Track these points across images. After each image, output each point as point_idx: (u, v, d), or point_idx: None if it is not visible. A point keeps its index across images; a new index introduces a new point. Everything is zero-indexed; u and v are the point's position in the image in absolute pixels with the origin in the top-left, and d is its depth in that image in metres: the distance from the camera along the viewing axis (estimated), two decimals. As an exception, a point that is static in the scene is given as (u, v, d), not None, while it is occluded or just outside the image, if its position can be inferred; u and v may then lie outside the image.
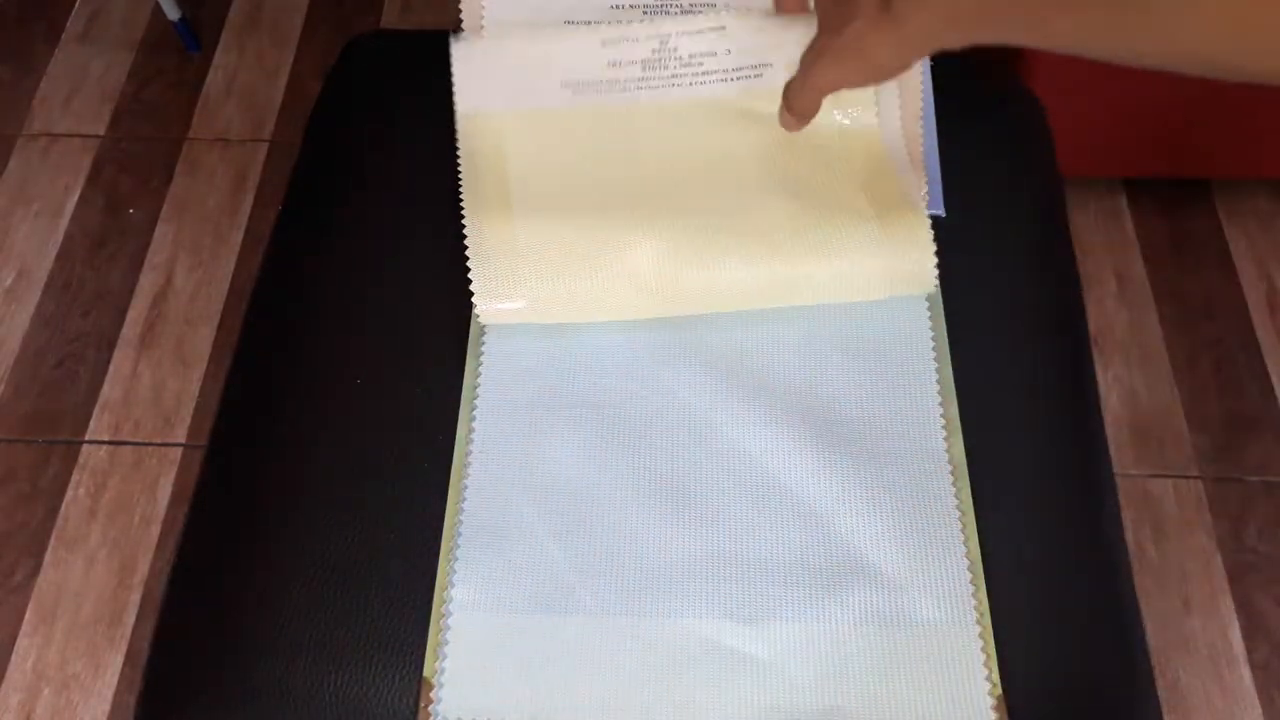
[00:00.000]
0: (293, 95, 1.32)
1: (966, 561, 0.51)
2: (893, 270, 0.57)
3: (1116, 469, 0.61)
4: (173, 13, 1.30)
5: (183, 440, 1.05)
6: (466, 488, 0.53)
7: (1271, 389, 1.08)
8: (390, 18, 1.39)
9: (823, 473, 0.53)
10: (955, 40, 0.44)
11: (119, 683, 0.93)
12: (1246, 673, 0.94)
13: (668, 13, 0.65)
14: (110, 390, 1.08)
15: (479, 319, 0.57)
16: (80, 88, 1.32)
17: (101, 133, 1.28)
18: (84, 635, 0.95)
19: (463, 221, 0.58)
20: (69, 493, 1.02)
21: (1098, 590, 0.53)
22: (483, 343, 0.57)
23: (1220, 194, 1.21)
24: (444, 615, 0.49)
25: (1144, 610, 0.54)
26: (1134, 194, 1.21)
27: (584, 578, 0.50)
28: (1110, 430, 1.00)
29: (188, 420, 1.06)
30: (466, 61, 0.63)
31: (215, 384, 1.08)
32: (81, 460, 1.04)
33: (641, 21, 0.63)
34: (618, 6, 0.65)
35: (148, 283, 1.16)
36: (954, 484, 0.53)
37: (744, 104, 0.61)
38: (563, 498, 0.52)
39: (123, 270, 1.17)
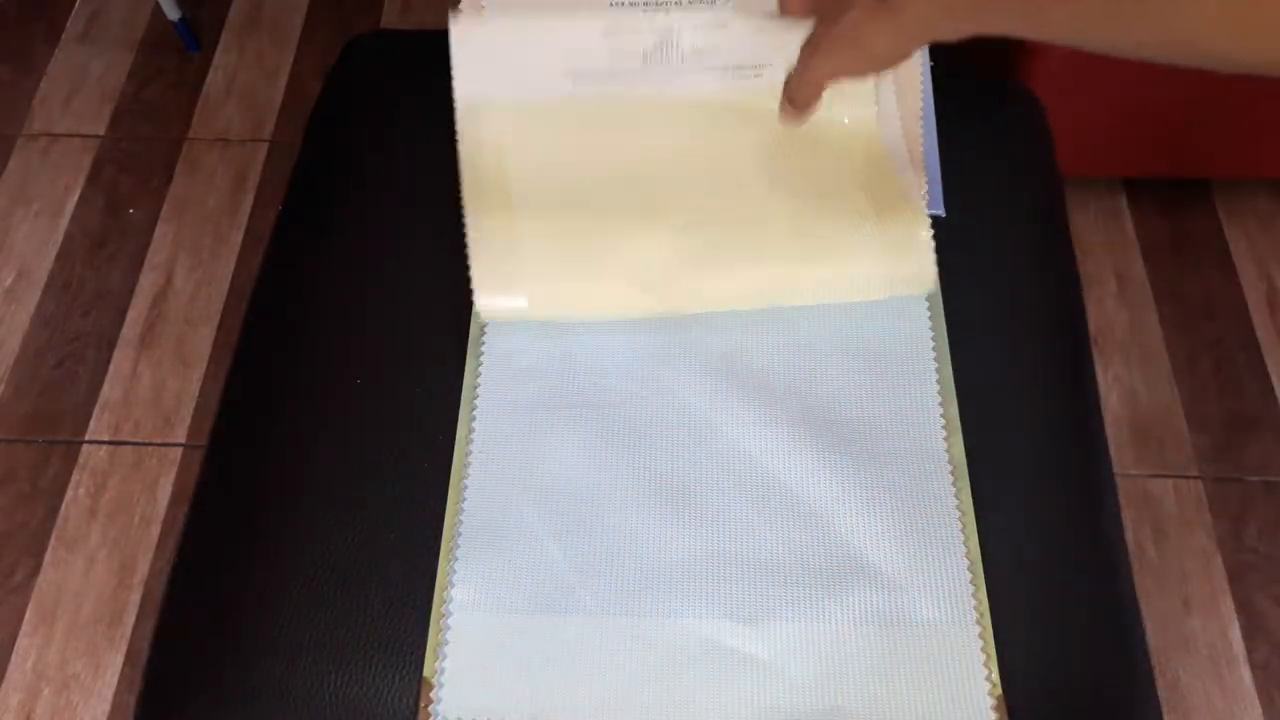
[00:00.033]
0: (293, 95, 1.32)
1: (966, 561, 0.51)
2: (892, 270, 0.57)
3: (1116, 469, 0.61)
4: (173, 13, 1.30)
5: (183, 440, 1.05)
6: (466, 488, 0.53)
7: (1271, 389, 1.08)
8: (390, 18, 1.39)
9: (823, 473, 0.53)
10: (952, 31, 0.44)
11: (119, 683, 0.93)
12: (1246, 673, 0.94)
13: (669, 9, 0.64)
14: (110, 390, 1.08)
15: (479, 315, 0.57)
16: (80, 88, 1.32)
17: (101, 133, 1.28)
18: (84, 635, 0.95)
19: (463, 219, 0.58)
20: (69, 493, 1.02)
21: (1098, 590, 0.53)
22: (483, 343, 0.57)
23: (1220, 194, 1.21)
24: (444, 615, 0.49)
25: (1144, 610, 0.54)
26: (1134, 194, 1.21)
27: (584, 578, 0.50)
28: (1110, 430, 1.00)
29: (188, 420, 1.06)
30: (465, 44, 0.62)
31: (215, 384, 1.08)
32: (81, 460, 1.04)
33: (645, 13, 0.62)
34: (618, 4, 0.65)
35: (148, 283, 1.16)
36: (954, 484, 0.53)
37: (745, 101, 0.61)
38: (563, 498, 0.52)
39: (123, 270, 1.17)
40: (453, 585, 0.50)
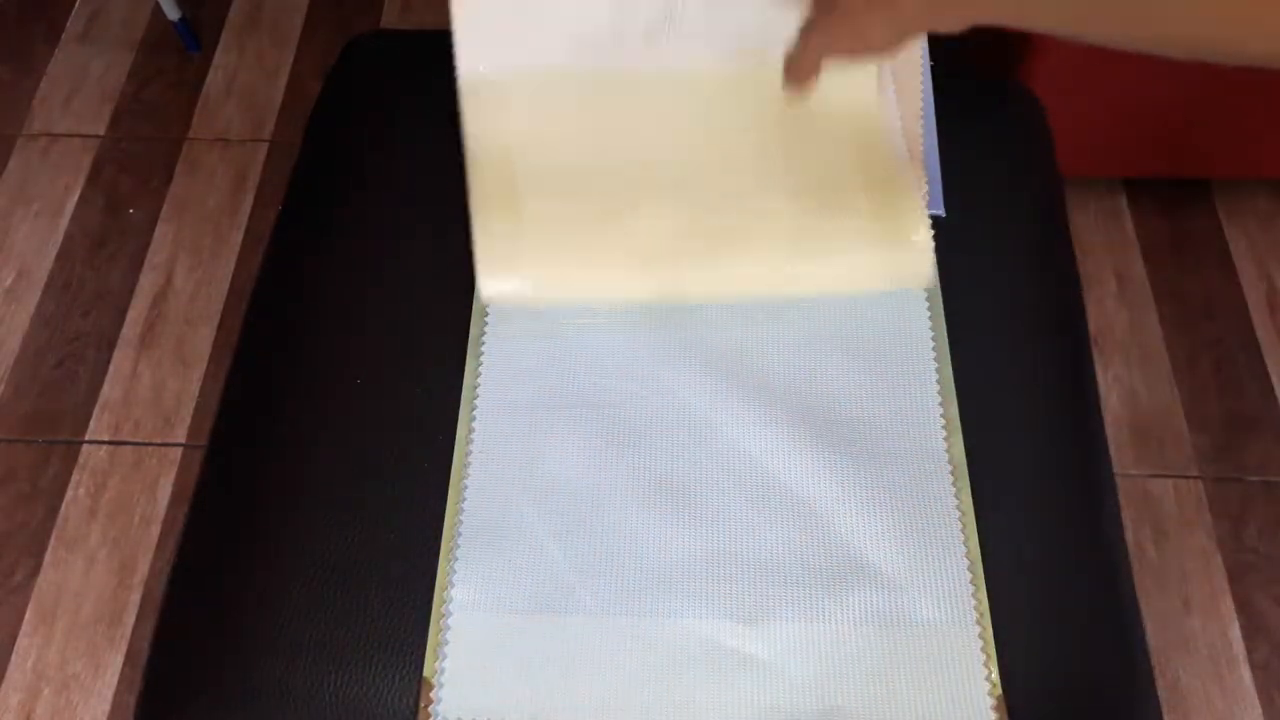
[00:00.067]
0: (293, 95, 1.32)
1: (966, 561, 0.51)
2: (891, 263, 0.57)
3: (1116, 469, 0.61)
4: (173, 13, 1.30)
5: (183, 440, 1.05)
6: (466, 488, 0.53)
7: (1271, 389, 1.08)
8: (390, 18, 1.39)
9: (823, 473, 0.53)
10: (947, 23, 0.44)
11: (119, 683, 0.93)
12: (1246, 673, 0.94)
13: None
14: (110, 390, 1.08)
15: (480, 297, 0.57)
16: (80, 88, 1.32)
17: (101, 133, 1.28)
18: (84, 635, 0.95)
19: (463, 216, 0.58)
20: (69, 493, 1.02)
21: (1098, 590, 0.53)
22: (483, 343, 0.57)
23: (1220, 194, 1.21)
24: (444, 615, 0.49)
25: (1144, 610, 0.54)
26: (1134, 194, 1.21)
27: (584, 578, 0.50)
28: (1110, 430, 1.00)
29: (188, 420, 1.06)
30: (467, 14, 0.61)
31: (215, 384, 1.08)
32: (81, 460, 1.04)
33: None
34: None
35: (148, 283, 1.16)
36: (954, 484, 0.53)
37: (748, 81, 0.61)
38: (563, 498, 0.52)
39: (123, 270, 1.17)
40: (453, 585, 0.50)
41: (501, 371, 0.56)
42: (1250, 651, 0.95)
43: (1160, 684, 0.57)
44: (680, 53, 0.61)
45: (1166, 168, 1.15)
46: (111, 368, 1.10)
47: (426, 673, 0.48)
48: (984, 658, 0.48)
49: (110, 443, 1.05)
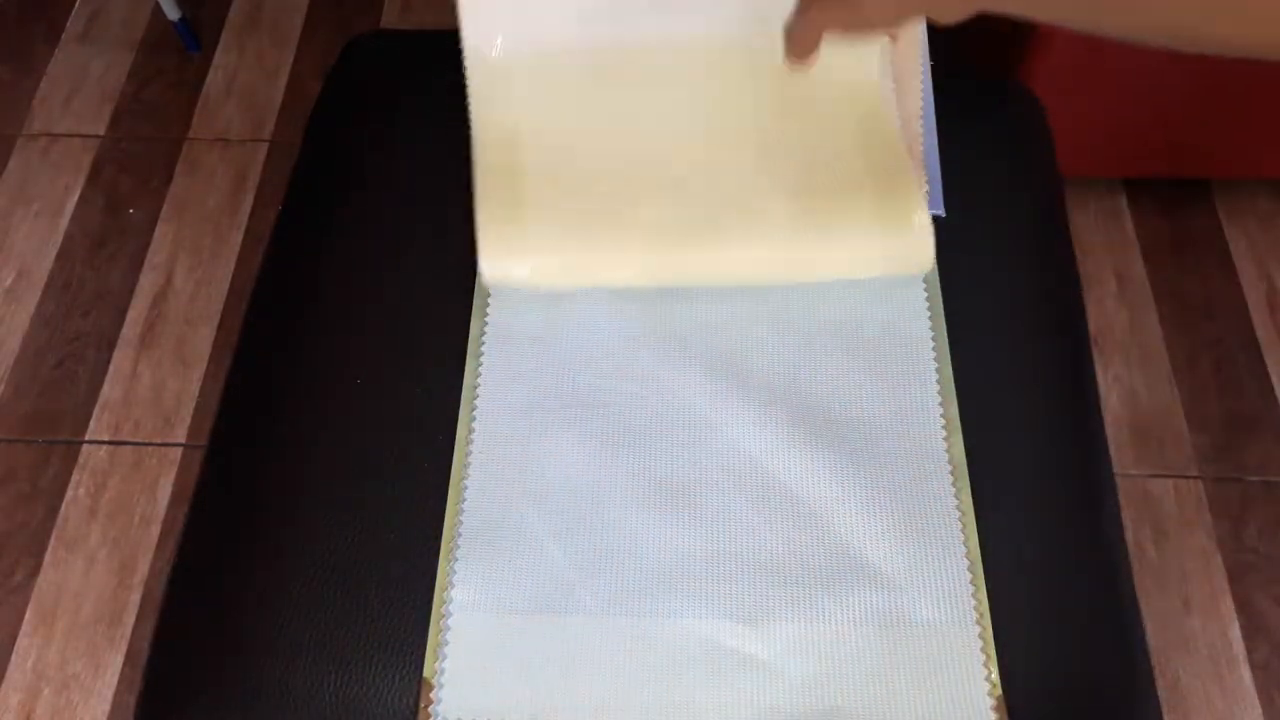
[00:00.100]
0: (293, 95, 1.32)
1: (966, 561, 0.51)
2: (891, 248, 0.57)
3: (1116, 469, 0.61)
4: (173, 13, 1.30)
5: (183, 440, 1.05)
6: (466, 488, 0.53)
7: (1271, 389, 1.08)
8: (390, 18, 1.39)
9: (823, 472, 0.53)
10: (947, 10, 0.44)
11: (119, 683, 0.93)
12: (1246, 673, 0.94)
13: None
14: (110, 390, 1.08)
15: (482, 281, 0.57)
16: (80, 88, 1.32)
17: (101, 133, 1.28)
18: (84, 635, 0.95)
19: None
20: (69, 493, 1.02)
21: (1098, 590, 0.53)
22: (482, 343, 0.57)
23: (1220, 194, 1.21)
24: (444, 615, 0.49)
25: (1144, 610, 0.54)
26: (1134, 194, 1.21)
27: (584, 578, 0.50)
28: (1110, 430, 1.00)
29: (188, 420, 1.06)
30: None
31: (215, 384, 1.08)
32: (81, 460, 1.04)
33: None
34: None
35: (148, 283, 1.16)
36: (954, 484, 0.53)
37: (753, 52, 0.61)
38: (563, 498, 0.52)
39: (123, 270, 1.17)
40: (453, 585, 0.50)
41: (501, 372, 0.56)
42: (1250, 651, 0.95)
43: (1160, 684, 0.57)
44: (685, 24, 0.61)
45: (1166, 168, 1.15)
46: (111, 368, 1.10)
47: (426, 673, 0.48)
48: (984, 658, 0.48)
49: (110, 443, 1.05)
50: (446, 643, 0.49)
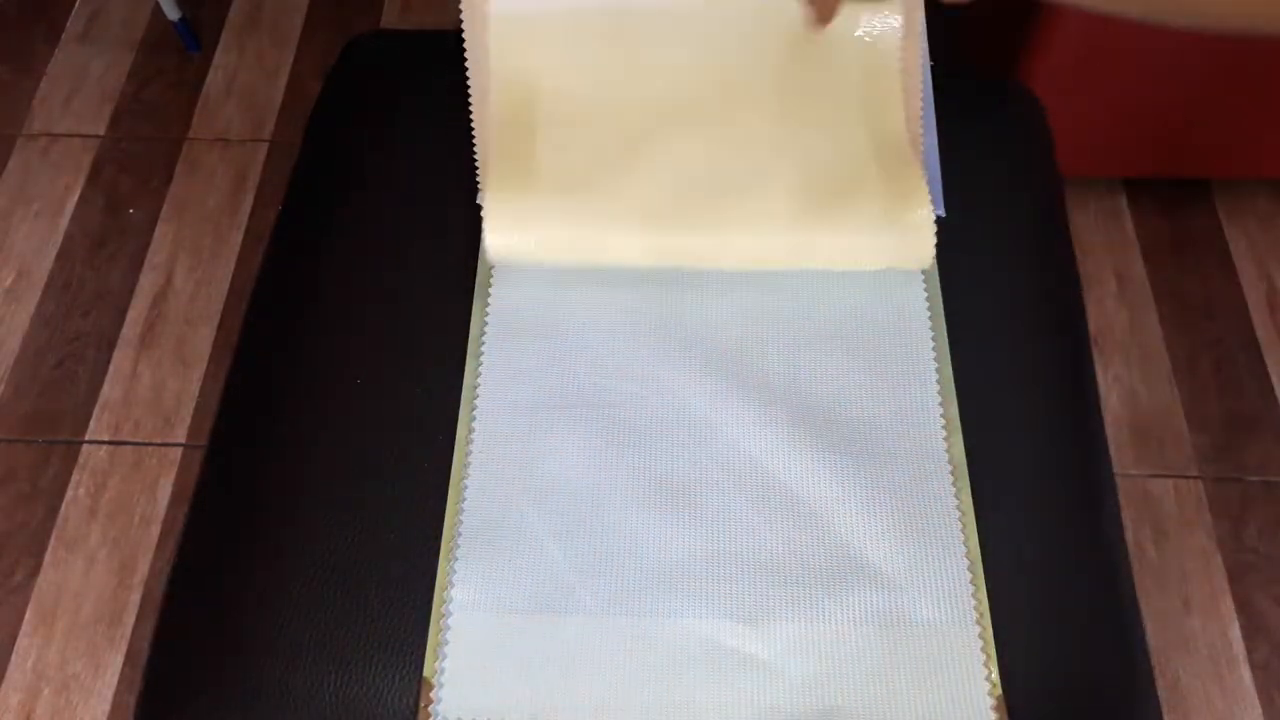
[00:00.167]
0: (293, 95, 1.32)
1: (966, 561, 0.51)
2: (892, 239, 0.57)
3: (1116, 469, 0.61)
4: (173, 13, 1.30)
5: (183, 440, 1.05)
6: (466, 488, 0.53)
7: (1271, 389, 1.08)
8: (390, 18, 1.39)
9: (823, 472, 0.53)
10: None
11: (119, 683, 0.93)
12: (1246, 673, 0.94)
13: None
14: (110, 390, 1.08)
15: (486, 255, 0.57)
16: (80, 88, 1.32)
17: (101, 133, 1.28)
18: (84, 635, 0.95)
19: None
20: (69, 493, 1.02)
21: (1098, 590, 0.53)
22: (483, 343, 0.57)
23: (1220, 194, 1.21)
24: (444, 615, 0.49)
25: (1144, 610, 0.54)
26: (1134, 194, 1.21)
27: (584, 578, 0.50)
28: (1110, 430, 1.00)
29: (188, 420, 1.06)
30: None
31: (215, 384, 1.08)
32: (81, 460, 1.04)
33: None
34: None
35: (148, 283, 1.16)
36: (954, 484, 0.53)
37: (768, 17, 0.61)
38: (563, 498, 0.52)
39: (123, 270, 1.17)
40: (453, 585, 0.50)
41: (501, 372, 0.56)
42: (1250, 651, 0.95)
43: (1160, 684, 0.57)
44: None
45: (1166, 168, 1.15)
46: (111, 368, 1.10)
47: (426, 673, 0.48)
48: (984, 658, 0.48)
49: (110, 443, 1.05)
50: (446, 642, 0.49)
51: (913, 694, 0.48)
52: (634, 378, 0.56)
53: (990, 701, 0.47)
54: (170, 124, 1.29)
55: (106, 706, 0.92)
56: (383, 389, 0.57)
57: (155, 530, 1.00)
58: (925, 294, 0.58)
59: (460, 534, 0.51)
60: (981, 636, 0.49)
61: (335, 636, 0.50)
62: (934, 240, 0.57)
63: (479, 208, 0.59)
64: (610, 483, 0.53)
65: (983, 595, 0.50)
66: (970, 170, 0.63)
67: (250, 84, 1.33)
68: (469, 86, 0.63)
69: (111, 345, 1.11)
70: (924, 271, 0.59)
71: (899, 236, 0.57)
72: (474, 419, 0.55)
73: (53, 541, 1.00)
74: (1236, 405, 1.07)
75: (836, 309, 0.58)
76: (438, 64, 0.66)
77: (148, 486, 1.03)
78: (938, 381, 0.56)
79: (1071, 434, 0.58)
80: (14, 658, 0.94)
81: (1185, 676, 0.93)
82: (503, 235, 0.57)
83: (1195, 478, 1.03)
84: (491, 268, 0.59)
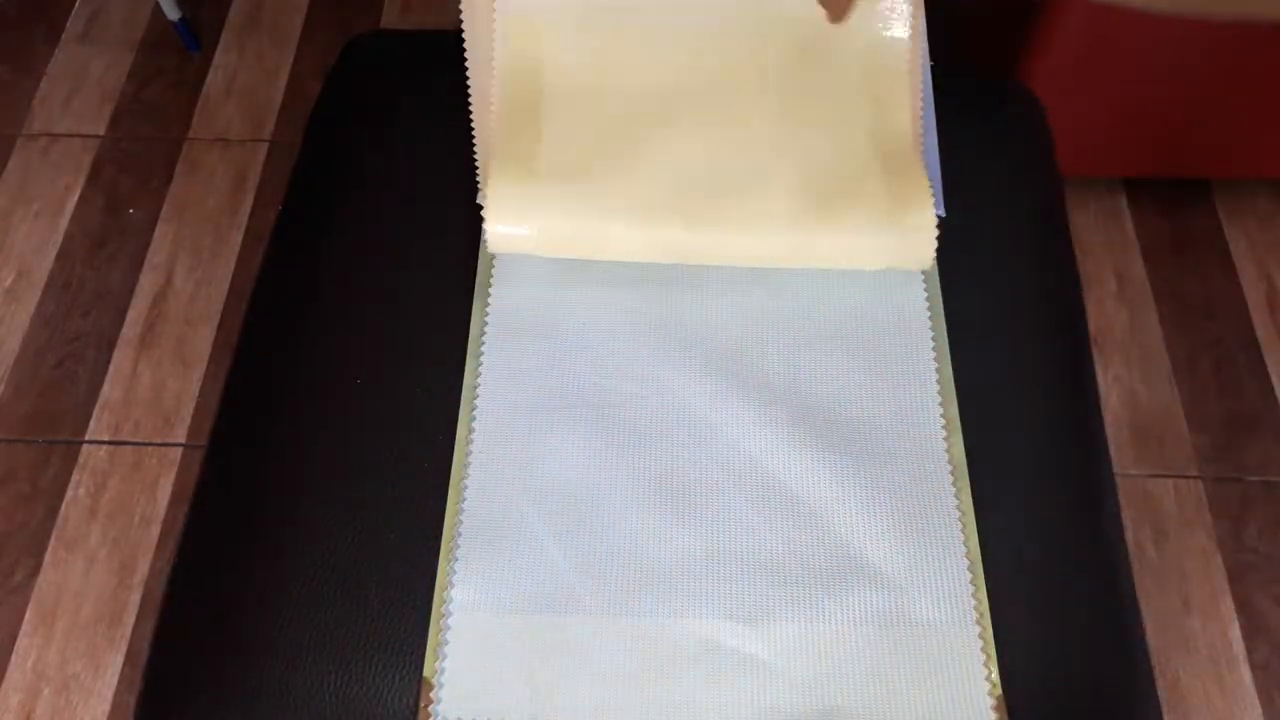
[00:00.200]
0: (293, 95, 1.32)
1: (966, 561, 0.51)
2: (894, 238, 0.57)
3: (1116, 469, 0.61)
4: (173, 13, 1.30)
5: (183, 440, 1.05)
6: (466, 488, 0.53)
7: (1271, 389, 1.08)
8: (390, 18, 1.39)
9: (823, 472, 0.53)
10: None
11: (119, 683, 0.93)
12: (1246, 673, 0.94)
13: None
14: (110, 390, 1.08)
15: (486, 246, 0.57)
16: (80, 88, 1.32)
17: (101, 133, 1.28)
18: (84, 635, 0.95)
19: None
20: (69, 493, 1.02)
21: (1098, 590, 0.53)
22: (483, 343, 0.57)
23: (1220, 194, 1.21)
24: (444, 615, 0.49)
25: (1144, 610, 0.54)
26: (1134, 194, 1.21)
27: (584, 578, 0.50)
28: (1110, 430, 1.00)
29: (188, 420, 1.06)
30: None
31: (215, 384, 1.08)
32: (81, 460, 1.04)
33: None
34: None
35: (148, 283, 1.16)
36: (954, 484, 0.53)
37: (786, 29, 0.62)
38: (563, 498, 0.52)
39: (123, 270, 1.17)
40: (453, 585, 0.50)
41: (501, 372, 0.56)
42: (1250, 651, 0.95)
43: (1160, 684, 0.57)
44: None
45: (1166, 168, 1.15)
46: (111, 368, 1.10)
47: (426, 673, 0.48)
48: (984, 658, 0.48)
49: (110, 443, 1.05)
50: (446, 643, 0.49)
51: (913, 694, 0.48)
52: (634, 378, 0.56)
53: (990, 701, 0.47)
54: (170, 124, 1.29)
55: (106, 706, 0.92)
56: (383, 389, 0.57)
57: (155, 530, 1.00)
58: (925, 294, 0.58)
59: (460, 534, 0.51)
60: (981, 636, 0.49)
61: (335, 636, 0.50)
62: (935, 241, 0.57)
63: (479, 208, 0.59)
64: (610, 483, 0.53)
65: (983, 595, 0.50)
66: (970, 170, 0.63)
67: (250, 84, 1.33)
68: (469, 86, 0.63)
69: (111, 345, 1.11)
70: (924, 271, 0.59)
71: (900, 237, 0.57)
72: (474, 419, 0.55)
73: (53, 541, 1.00)
74: (1236, 405, 1.07)
75: (836, 309, 0.58)
76: (438, 64, 0.66)
77: (148, 486, 1.03)
78: (938, 381, 0.56)
79: (1071, 434, 0.58)
80: (14, 658, 0.94)
81: (1185, 676, 0.93)
82: (504, 225, 0.57)
83: (1195, 478, 1.03)
84: (492, 267, 0.59)
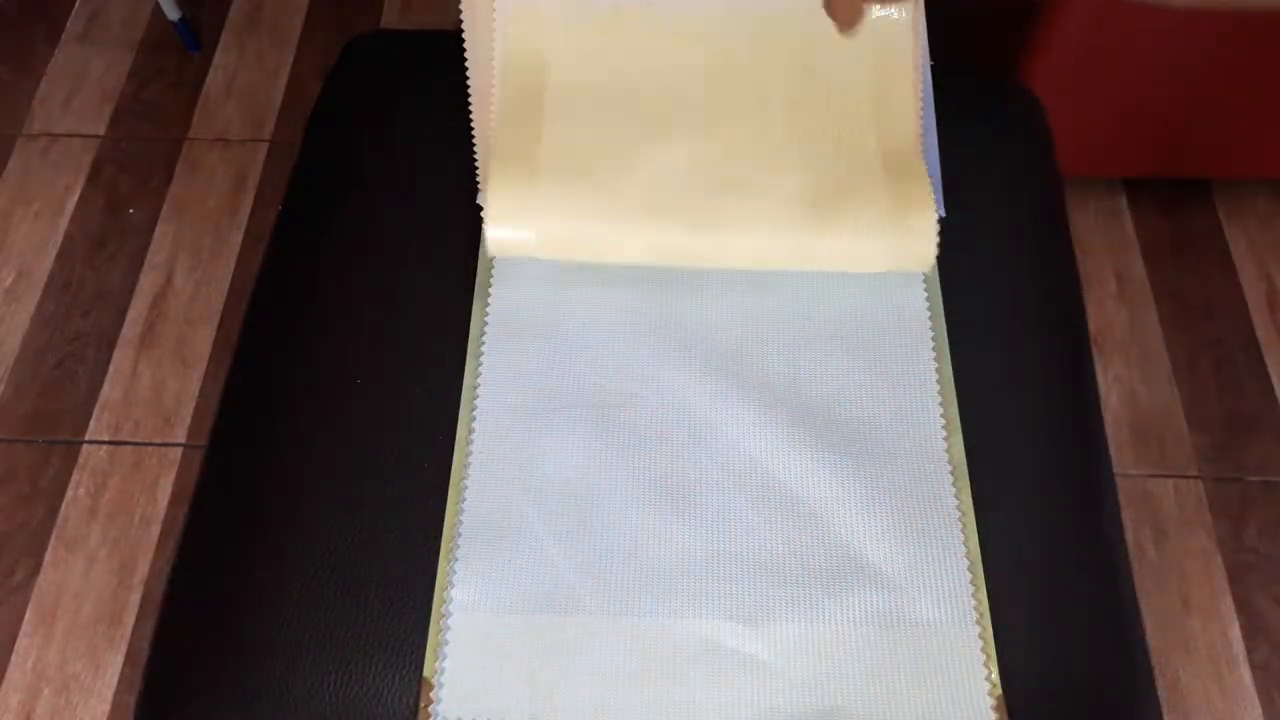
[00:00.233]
0: (293, 95, 1.32)
1: (966, 561, 0.51)
2: (895, 240, 0.57)
3: (1116, 469, 0.61)
4: (173, 13, 1.30)
5: (183, 440, 1.05)
6: (466, 488, 0.53)
7: (1271, 389, 1.08)
8: (390, 18, 1.39)
9: (823, 472, 0.53)
10: None
11: (119, 683, 0.93)
12: (1246, 673, 0.94)
13: None
14: (110, 390, 1.08)
15: (487, 250, 0.57)
16: (80, 88, 1.32)
17: (101, 133, 1.28)
18: (84, 635, 0.95)
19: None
20: (69, 493, 1.02)
21: (1098, 590, 0.53)
22: (483, 343, 0.57)
23: (1220, 194, 1.21)
24: (444, 615, 0.49)
25: (1144, 610, 0.54)
26: (1134, 194, 1.21)
27: (584, 578, 0.50)
28: (1110, 430, 1.00)
29: (188, 420, 1.06)
30: None
31: (215, 384, 1.08)
32: (81, 460, 1.04)
33: None
34: None
35: (148, 283, 1.16)
36: (954, 484, 0.53)
37: (789, 30, 0.62)
38: (563, 498, 0.52)
39: (123, 270, 1.17)
40: (453, 585, 0.50)
41: (501, 372, 0.56)
42: (1250, 651, 0.95)
43: (1160, 684, 0.57)
44: None
45: (1166, 168, 1.15)
46: (111, 368, 1.10)
47: (426, 673, 0.48)
48: (984, 658, 0.48)
49: (110, 443, 1.05)
50: (446, 643, 0.49)
51: (913, 694, 0.48)
52: (634, 378, 0.56)
53: (990, 701, 0.47)
54: (170, 124, 1.29)
55: (106, 706, 0.92)
56: (383, 389, 0.57)
57: (155, 530, 1.00)
58: (925, 294, 0.58)
59: (460, 534, 0.51)
60: (981, 636, 0.49)
61: (335, 636, 0.50)
62: (936, 244, 0.57)
63: (479, 208, 0.59)
64: (610, 483, 0.53)
65: (983, 595, 0.50)
66: (970, 170, 0.63)
67: (250, 84, 1.33)
68: (469, 86, 0.63)
69: (111, 345, 1.11)
70: (924, 272, 0.59)
71: (901, 240, 0.57)
72: (474, 419, 0.55)
73: (53, 541, 1.00)
74: (1236, 405, 1.07)
75: (836, 309, 0.58)
76: (438, 64, 0.66)
77: (148, 486, 1.03)
78: (938, 381, 0.56)
79: (1071, 434, 0.58)
80: (14, 658, 0.94)
81: (1185, 676, 0.93)
82: (503, 229, 0.57)
83: (1195, 478, 1.03)
84: (492, 267, 0.59)
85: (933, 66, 0.64)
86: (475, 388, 0.56)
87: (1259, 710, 0.92)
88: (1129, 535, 0.64)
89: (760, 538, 0.51)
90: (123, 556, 0.99)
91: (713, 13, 0.63)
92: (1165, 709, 0.53)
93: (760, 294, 0.58)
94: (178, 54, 1.35)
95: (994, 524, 0.52)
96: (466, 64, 0.63)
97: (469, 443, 0.54)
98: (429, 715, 0.47)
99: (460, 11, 0.65)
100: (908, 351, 0.57)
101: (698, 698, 0.48)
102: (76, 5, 1.40)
